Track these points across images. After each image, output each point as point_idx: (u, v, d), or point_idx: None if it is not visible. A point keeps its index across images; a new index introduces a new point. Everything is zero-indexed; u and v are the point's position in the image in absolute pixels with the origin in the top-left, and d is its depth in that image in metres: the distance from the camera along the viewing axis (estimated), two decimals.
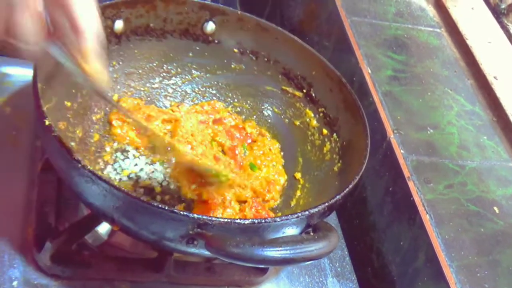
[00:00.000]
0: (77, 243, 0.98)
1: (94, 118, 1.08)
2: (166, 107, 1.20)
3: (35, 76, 0.87)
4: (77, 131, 1.01)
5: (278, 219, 0.81)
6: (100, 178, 0.78)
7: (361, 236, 1.23)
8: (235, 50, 1.20)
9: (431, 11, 1.59)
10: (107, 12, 1.05)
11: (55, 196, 1.02)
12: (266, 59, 1.20)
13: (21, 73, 1.20)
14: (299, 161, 1.17)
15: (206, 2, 1.14)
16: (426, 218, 1.05)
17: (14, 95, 1.17)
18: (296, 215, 0.82)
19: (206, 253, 0.80)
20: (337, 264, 1.12)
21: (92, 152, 1.05)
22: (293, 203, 1.10)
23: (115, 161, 1.08)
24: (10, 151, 1.09)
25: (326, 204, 0.85)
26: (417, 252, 1.05)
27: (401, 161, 1.14)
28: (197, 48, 1.19)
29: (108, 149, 1.08)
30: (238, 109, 1.23)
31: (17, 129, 1.12)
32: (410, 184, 1.10)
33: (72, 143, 0.99)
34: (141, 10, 1.09)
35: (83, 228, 0.98)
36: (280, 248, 0.77)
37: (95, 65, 0.76)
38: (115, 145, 1.10)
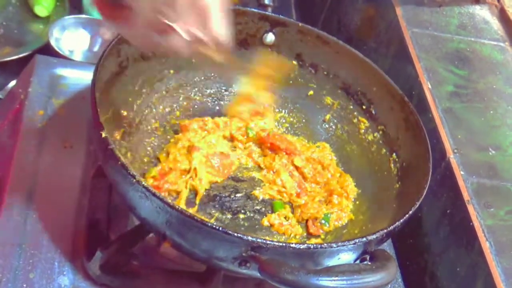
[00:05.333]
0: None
1: (149, 127, 1.07)
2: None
3: (93, 86, 0.87)
4: (132, 140, 1.00)
5: (334, 245, 0.79)
6: (154, 194, 0.77)
7: (415, 257, 1.19)
8: (294, 62, 1.17)
9: (495, 24, 1.53)
10: None
11: (106, 203, 1.02)
12: (325, 73, 1.17)
13: (76, 76, 1.21)
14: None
15: (266, 13, 1.13)
16: (485, 245, 1.01)
17: (69, 97, 1.17)
18: (353, 242, 0.80)
19: (258, 275, 0.78)
20: (389, 286, 1.08)
21: (146, 163, 1.04)
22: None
23: None
24: (63, 155, 1.08)
25: (385, 231, 0.83)
26: (475, 280, 1.01)
27: (461, 183, 1.09)
28: None
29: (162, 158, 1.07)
30: (294, 120, 1.21)
31: (71, 132, 1.11)
32: (470, 208, 1.05)
33: (128, 153, 0.98)
34: None
35: (134, 238, 0.96)
36: (336, 278, 0.74)
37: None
38: None
